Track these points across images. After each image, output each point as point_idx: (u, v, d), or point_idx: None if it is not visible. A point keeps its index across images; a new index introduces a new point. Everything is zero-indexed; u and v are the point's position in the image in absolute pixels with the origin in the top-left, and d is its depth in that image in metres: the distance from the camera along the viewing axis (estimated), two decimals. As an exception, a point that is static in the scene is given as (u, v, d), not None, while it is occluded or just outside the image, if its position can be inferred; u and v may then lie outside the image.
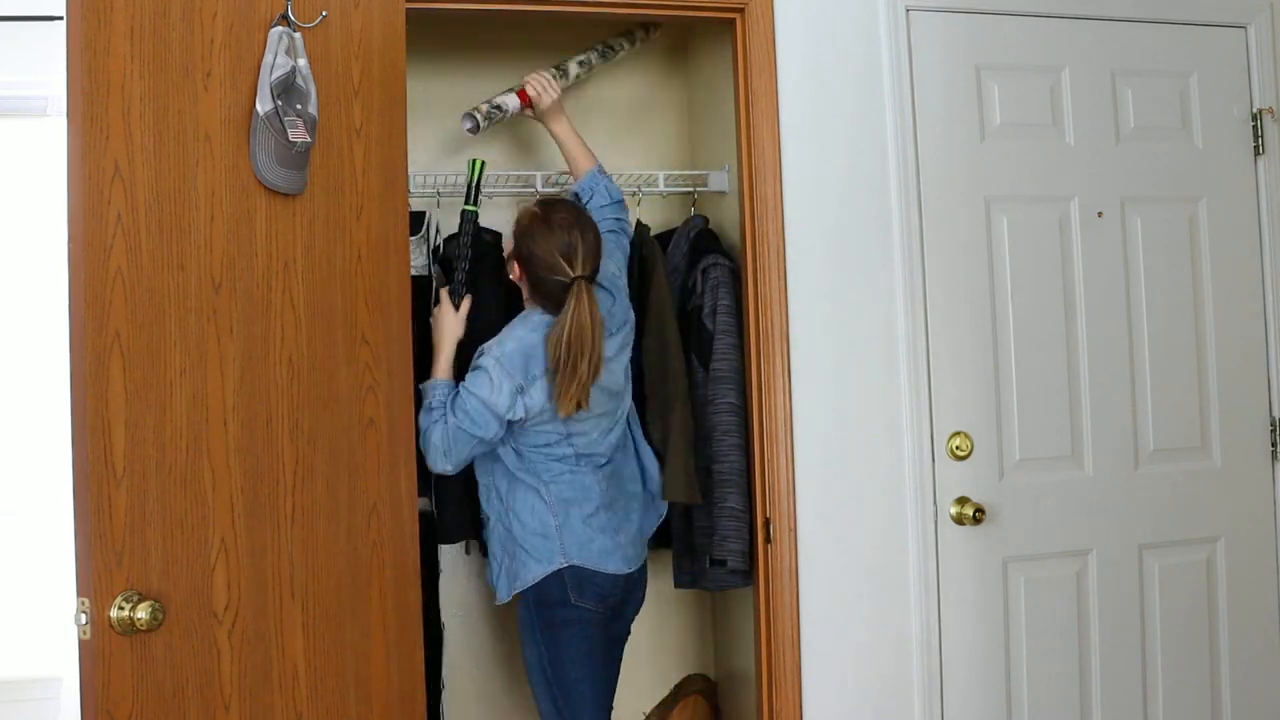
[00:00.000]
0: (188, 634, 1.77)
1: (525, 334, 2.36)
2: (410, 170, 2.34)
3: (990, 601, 2.67)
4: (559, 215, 2.36)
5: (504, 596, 2.43)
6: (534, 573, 2.37)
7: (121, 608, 1.65)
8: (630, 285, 2.63)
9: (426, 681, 2.31)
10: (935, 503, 2.64)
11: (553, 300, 2.34)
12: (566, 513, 2.39)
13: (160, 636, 1.71)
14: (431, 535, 2.80)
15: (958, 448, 2.65)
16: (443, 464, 2.36)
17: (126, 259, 1.71)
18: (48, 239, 3.30)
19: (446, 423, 2.34)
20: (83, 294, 1.66)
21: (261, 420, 1.91)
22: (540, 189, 2.83)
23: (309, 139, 1.97)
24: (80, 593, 1.64)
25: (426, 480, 2.83)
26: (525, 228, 2.37)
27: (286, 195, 1.97)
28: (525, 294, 2.45)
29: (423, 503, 2.60)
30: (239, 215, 1.89)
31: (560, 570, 2.37)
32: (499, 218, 3.14)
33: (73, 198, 1.67)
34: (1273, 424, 2.89)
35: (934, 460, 2.64)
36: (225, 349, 1.86)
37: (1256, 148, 2.89)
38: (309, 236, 2.02)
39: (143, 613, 1.65)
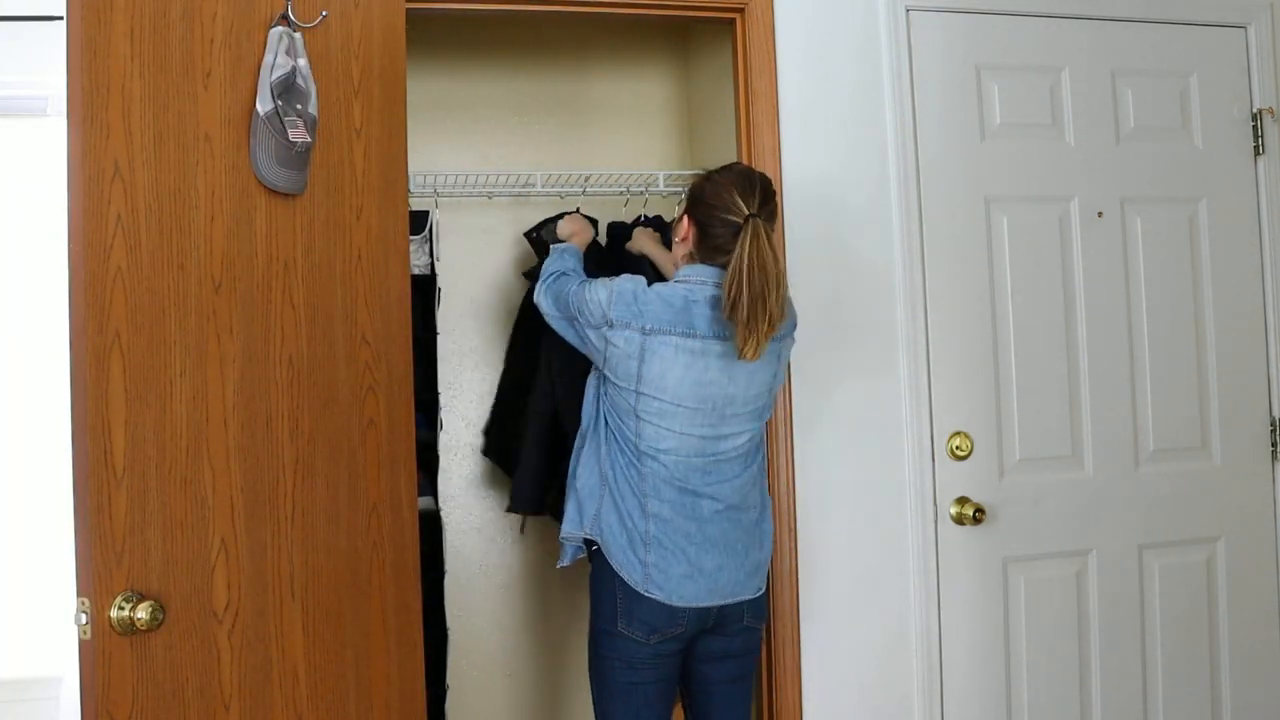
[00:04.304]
0: (188, 634, 1.77)
1: (661, 289, 2.18)
2: (410, 170, 2.34)
3: (990, 601, 2.67)
4: (733, 164, 2.29)
5: (574, 531, 2.23)
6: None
7: (121, 608, 1.65)
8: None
9: (430, 683, 2.31)
10: (935, 503, 2.64)
11: (723, 252, 2.14)
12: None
13: (160, 636, 1.71)
14: (435, 535, 2.81)
15: (958, 448, 2.65)
16: (542, 295, 2.31)
17: (126, 259, 1.71)
18: (48, 239, 3.30)
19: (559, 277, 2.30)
20: (83, 294, 1.66)
21: (261, 420, 1.91)
22: (540, 188, 2.83)
23: (309, 139, 1.97)
24: (80, 593, 1.64)
25: (430, 480, 2.84)
26: (698, 182, 2.25)
27: (286, 195, 1.97)
28: (682, 257, 2.26)
29: (424, 502, 2.61)
30: (239, 215, 1.89)
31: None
32: (500, 218, 3.15)
33: (73, 198, 1.67)
34: (1273, 424, 2.89)
35: (934, 460, 2.64)
36: (225, 349, 1.86)
37: (1256, 148, 2.89)
38: (309, 236, 2.02)
39: (143, 613, 1.66)
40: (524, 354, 2.98)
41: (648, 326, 2.12)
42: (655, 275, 2.62)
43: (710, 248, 2.16)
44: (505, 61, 3.19)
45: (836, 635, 2.60)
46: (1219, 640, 2.84)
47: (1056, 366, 2.73)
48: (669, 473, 2.16)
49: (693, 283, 2.17)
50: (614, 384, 2.17)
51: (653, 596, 2.13)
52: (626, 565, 2.15)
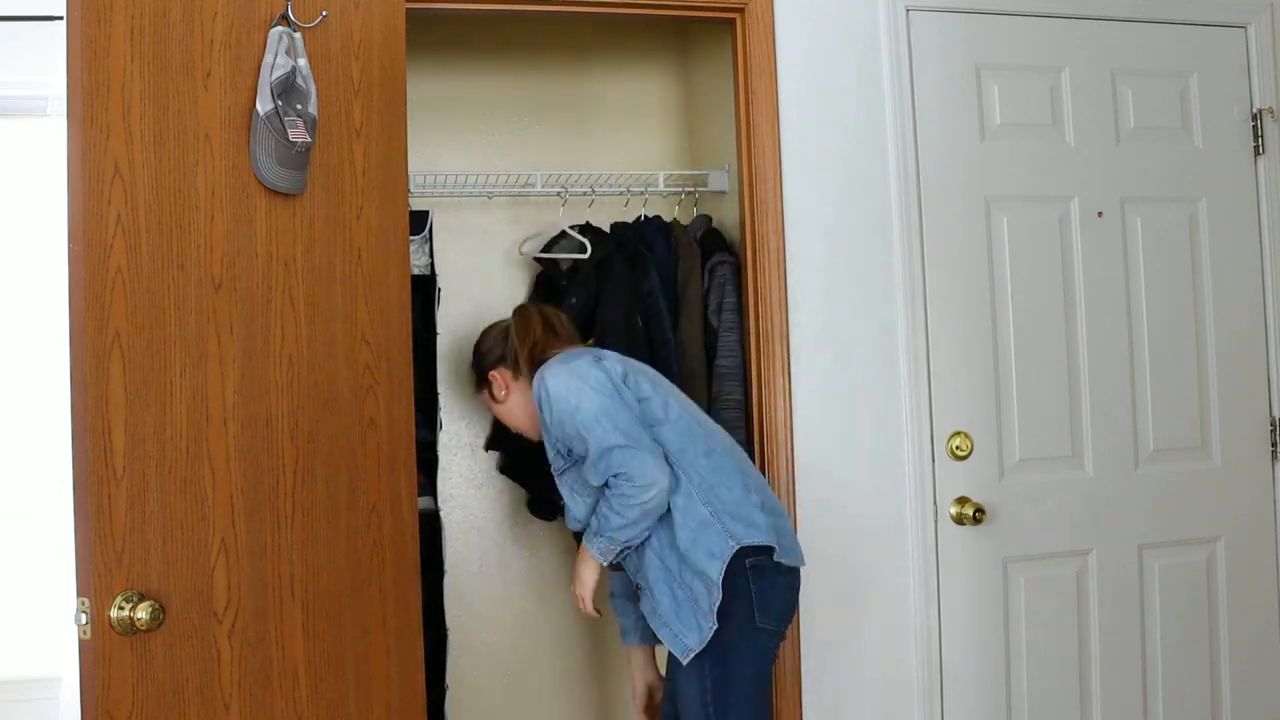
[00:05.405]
0: (188, 634, 1.77)
1: (587, 359, 2.28)
2: (410, 170, 2.34)
3: (990, 601, 2.67)
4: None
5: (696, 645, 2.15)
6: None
7: (121, 608, 1.65)
8: (669, 293, 2.79)
9: (430, 683, 2.30)
10: (935, 503, 2.64)
11: (540, 345, 2.42)
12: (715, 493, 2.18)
13: (160, 636, 1.71)
14: (435, 535, 2.81)
15: (958, 448, 2.65)
16: (657, 493, 2.13)
17: (126, 259, 1.71)
18: (48, 239, 3.30)
19: (615, 488, 2.15)
20: (83, 294, 1.66)
21: (261, 420, 1.91)
22: (540, 188, 2.83)
23: (309, 139, 1.97)
24: (80, 593, 1.64)
25: (430, 480, 2.84)
26: (484, 351, 2.51)
27: (286, 195, 1.97)
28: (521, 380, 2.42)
29: (424, 502, 2.60)
30: (239, 215, 1.89)
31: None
32: (499, 217, 3.15)
33: (73, 198, 1.67)
34: (1273, 424, 2.89)
35: (934, 460, 2.64)
36: (225, 349, 1.86)
37: (1256, 148, 2.89)
38: (309, 236, 2.02)
39: (143, 613, 1.65)
40: None
41: (630, 365, 2.31)
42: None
43: (530, 349, 2.39)
44: (505, 61, 3.19)
45: (837, 635, 2.60)
46: (1219, 640, 2.84)
47: (1056, 366, 2.73)
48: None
49: (578, 352, 2.33)
50: (646, 404, 2.26)
51: (784, 562, 2.17)
52: (754, 532, 2.15)
